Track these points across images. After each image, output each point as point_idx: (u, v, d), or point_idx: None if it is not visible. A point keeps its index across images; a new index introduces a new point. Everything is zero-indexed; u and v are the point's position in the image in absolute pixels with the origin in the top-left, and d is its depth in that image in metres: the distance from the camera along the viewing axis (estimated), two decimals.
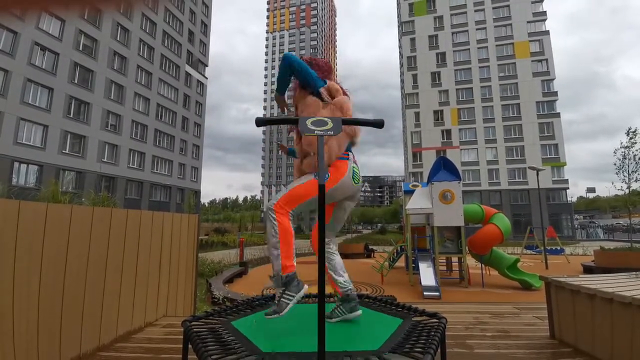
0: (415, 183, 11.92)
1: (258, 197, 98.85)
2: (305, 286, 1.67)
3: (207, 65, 42.07)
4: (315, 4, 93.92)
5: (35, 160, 21.51)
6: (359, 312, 1.80)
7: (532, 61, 38.78)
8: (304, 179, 1.76)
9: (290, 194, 1.69)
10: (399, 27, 49.84)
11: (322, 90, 1.86)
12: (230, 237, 27.49)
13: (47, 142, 22.23)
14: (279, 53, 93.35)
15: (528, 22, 39.72)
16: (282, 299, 1.58)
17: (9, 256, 2.06)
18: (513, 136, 38.18)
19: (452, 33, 41.87)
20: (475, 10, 41.55)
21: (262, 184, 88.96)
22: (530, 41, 39.30)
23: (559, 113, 37.52)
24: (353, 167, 1.85)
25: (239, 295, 7.11)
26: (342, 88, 2.00)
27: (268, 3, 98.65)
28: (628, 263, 8.87)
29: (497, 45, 40.23)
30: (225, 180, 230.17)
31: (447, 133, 40.10)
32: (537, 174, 16.05)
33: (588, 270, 10.74)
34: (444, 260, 10.97)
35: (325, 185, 1.50)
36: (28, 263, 2.17)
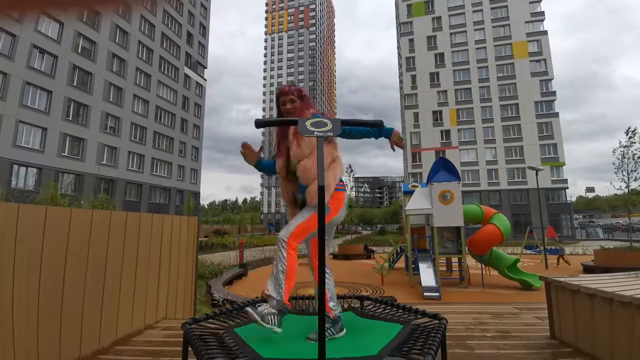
0: (414, 184, 11.92)
1: (258, 199, 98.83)
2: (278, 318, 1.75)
3: (206, 67, 42.09)
4: (313, 6, 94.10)
5: (34, 163, 21.47)
6: (344, 330, 1.89)
7: (531, 61, 38.83)
8: (306, 214, 1.84)
9: (300, 229, 1.81)
10: (397, 28, 49.94)
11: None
12: (230, 239, 27.44)
13: (46, 144, 22.20)
14: (278, 54, 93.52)
15: (526, 22, 39.79)
16: (267, 315, 1.63)
17: (8, 259, 2.05)
18: (512, 136, 38.21)
19: (451, 34, 41.93)
20: (474, 11, 41.62)
21: (262, 185, 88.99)
22: (529, 41, 39.36)
23: (558, 113, 37.57)
24: (346, 195, 1.98)
25: (239, 297, 7.10)
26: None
27: (267, 5, 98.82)
28: (627, 262, 8.87)
29: (495, 46, 40.28)
30: (225, 182, 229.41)
31: (446, 133, 40.13)
32: (537, 174, 16.07)
33: (588, 270, 10.74)
34: (444, 261, 10.96)
35: (328, 217, 1.77)
36: (27, 266, 2.17)
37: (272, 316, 1.65)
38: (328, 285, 1.95)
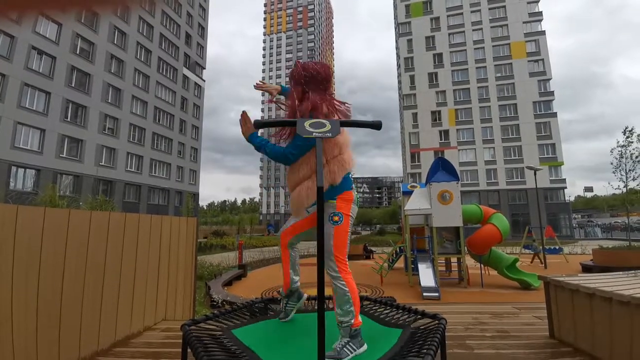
0: (413, 184, 11.92)
1: (257, 200, 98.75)
2: (365, 345, 1.67)
3: (204, 68, 42.06)
4: (312, 6, 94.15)
5: (32, 165, 21.40)
6: (305, 295, 2.08)
7: (529, 61, 38.92)
8: (331, 230, 1.72)
9: (337, 246, 1.71)
10: (395, 28, 49.99)
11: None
12: (229, 240, 27.42)
13: (45, 146, 22.13)
14: (277, 55, 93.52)
15: (524, 22, 39.89)
16: (345, 348, 1.57)
17: (7, 261, 2.05)
18: (510, 136, 38.28)
19: (449, 34, 42.00)
20: (472, 11, 41.71)
21: (261, 186, 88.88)
22: (527, 41, 39.46)
23: (556, 113, 37.67)
24: (355, 194, 1.87)
25: (238, 298, 7.10)
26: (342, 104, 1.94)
27: (265, 5, 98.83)
28: (626, 262, 8.89)
29: (493, 46, 40.37)
30: (224, 182, 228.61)
31: (445, 133, 40.18)
32: (535, 174, 16.07)
33: (587, 269, 10.76)
34: (443, 261, 10.96)
35: (345, 225, 1.74)
36: (26, 268, 2.16)
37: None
38: (297, 259, 2.04)
